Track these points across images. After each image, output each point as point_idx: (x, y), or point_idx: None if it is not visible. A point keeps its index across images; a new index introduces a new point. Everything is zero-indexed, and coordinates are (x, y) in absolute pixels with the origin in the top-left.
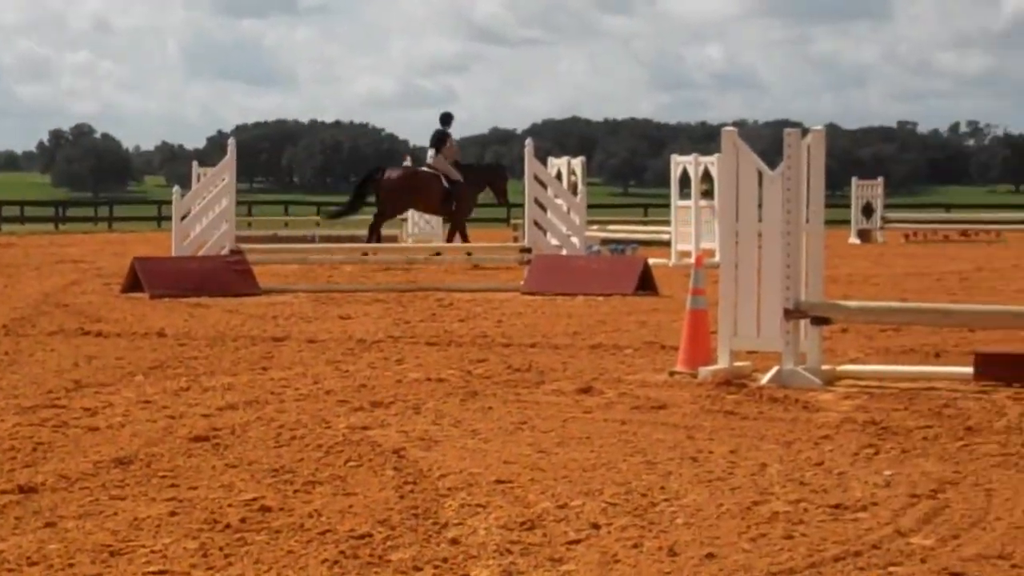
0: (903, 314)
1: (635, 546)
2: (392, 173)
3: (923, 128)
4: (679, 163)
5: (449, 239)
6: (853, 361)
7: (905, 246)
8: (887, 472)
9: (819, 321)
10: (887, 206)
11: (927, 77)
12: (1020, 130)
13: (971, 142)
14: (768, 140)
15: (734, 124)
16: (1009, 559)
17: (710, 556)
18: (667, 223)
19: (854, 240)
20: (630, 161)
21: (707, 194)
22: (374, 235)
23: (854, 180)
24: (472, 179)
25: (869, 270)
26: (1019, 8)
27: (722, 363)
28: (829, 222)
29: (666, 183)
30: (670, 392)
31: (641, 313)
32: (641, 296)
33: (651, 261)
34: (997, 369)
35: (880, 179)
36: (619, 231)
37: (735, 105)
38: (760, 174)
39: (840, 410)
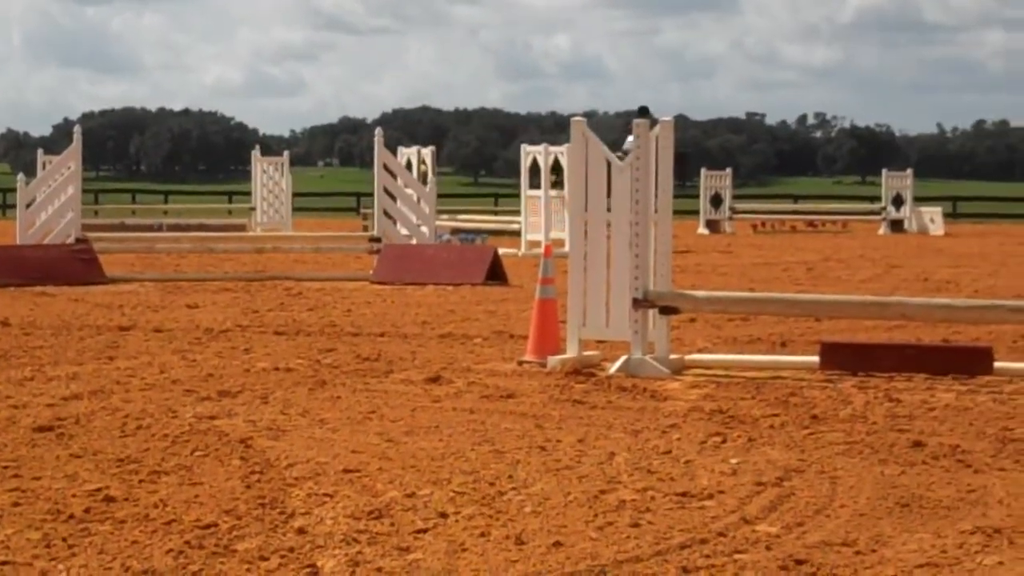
0: (750, 304)
1: (482, 535)
2: None
3: (771, 119)
4: (529, 153)
5: None
6: (701, 350)
7: (753, 236)
8: (733, 460)
9: (667, 311)
10: (735, 197)
11: (774, 69)
12: (866, 122)
13: (818, 134)
14: (619, 130)
15: (584, 114)
16: (853, 546)
17: (557, 544)
18: (517, 213)
19: (703, 230)
20: (481, 151)
21: (557, 184)
22: None
23: (703, 171)
24: None
25: (718, 260)
26: (864, 1)
27: (571, 352)
28: (678, 212)
29: (517, 173)
30: (519, 381)
31: (490, 303)
32: (491, 286)
33: (501, 251)
34: (842, 358)
35: (728, 170)
36: (469, 221)
37: (584, 95)
38: (608, 164)
39: (688, 399)
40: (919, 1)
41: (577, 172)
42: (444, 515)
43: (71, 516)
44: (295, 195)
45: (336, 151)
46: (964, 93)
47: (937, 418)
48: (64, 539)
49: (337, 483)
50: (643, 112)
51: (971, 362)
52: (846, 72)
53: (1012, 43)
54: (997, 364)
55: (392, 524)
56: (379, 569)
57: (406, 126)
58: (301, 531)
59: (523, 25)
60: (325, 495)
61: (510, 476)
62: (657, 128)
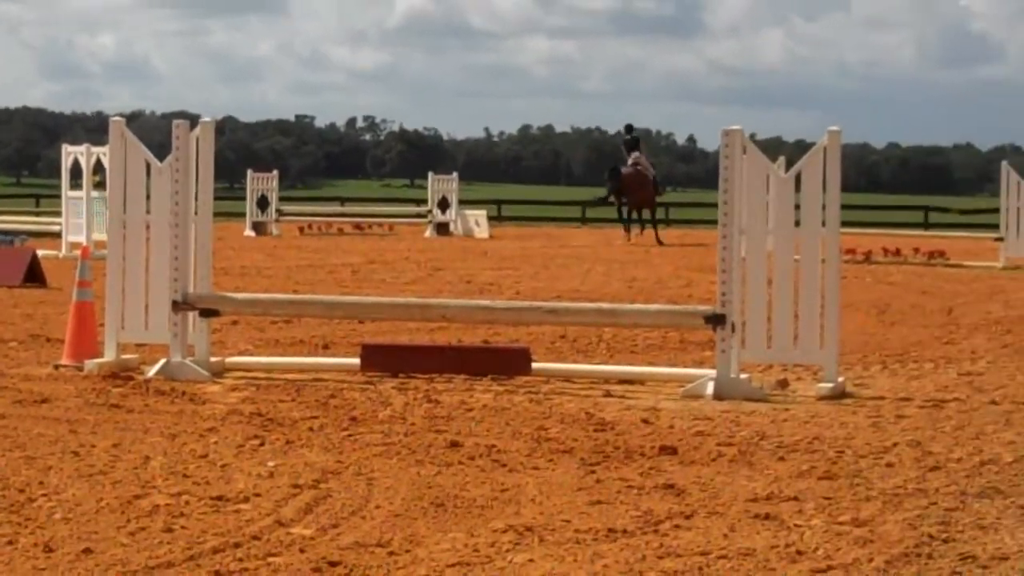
0: (291, 306)
1: (10, 543)
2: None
3: (320, 122)
4: (71, 153)
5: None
6: (242, 353)
7: (300, 239)
8: (271, 463)
9: (207, 313)
10: (283, 199)
11: (323, 71)
12: (414, 126)
13: (368, 136)
14: (166, 131)
15: (132, 114)
16: (387, 546)
17: (87, 551)
18: (59, 214)
19: (249, 233)
20: (23, 151)
21: (100, 185)
22: None
23: (249, 172)
24: None
25: (263, 262)
26: (412, 6)
27: (109, 356)
28: (226, 214)
29: (59, 173)
30: (54, 386)
31: (28, 305)
32: (29, 288)
33: (42, 253)
34: (383, 360)
35: (275, 172)
36: (9, 222)
37: (130, 95)
38: (148, 165)
39: (227, 402)
40: (465, 8)
41: (116, 173)
42: None
43: None
44: None
45: None
46: (510, 99)
47: (475, 418)
48: None
49: None
50: (629, 129)
51: (509, 363)
52: (395, 76)
53: (555, 50)
54: (535, 365)
55: None
56: None
57: None
58: None
59: (66, 24)
60: None
61: (41, 482)
62: (197, 130)
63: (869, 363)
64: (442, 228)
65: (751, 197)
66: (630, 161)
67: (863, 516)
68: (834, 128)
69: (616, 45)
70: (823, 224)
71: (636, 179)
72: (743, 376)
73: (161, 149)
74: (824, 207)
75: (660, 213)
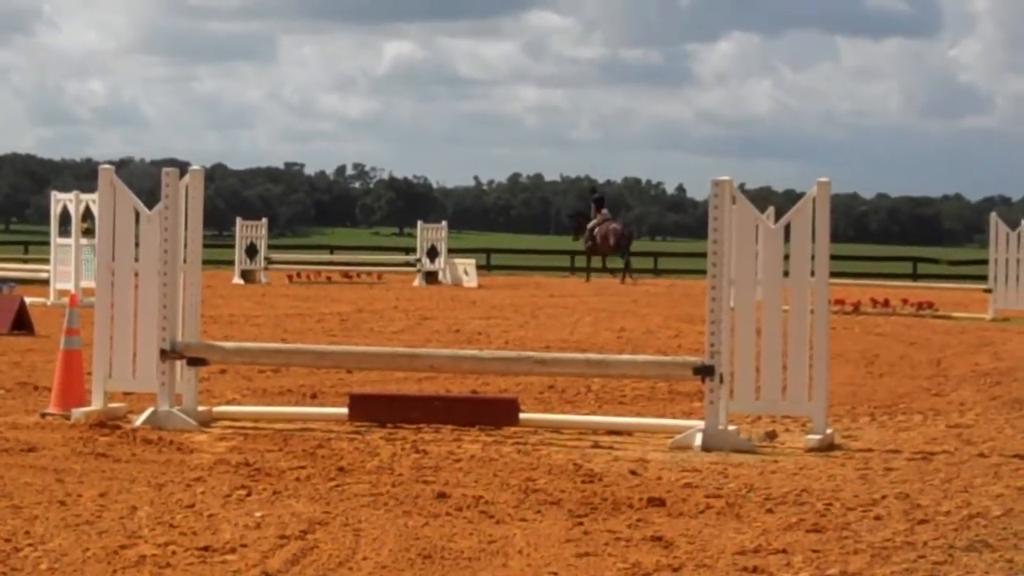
0: (279, 355)
1: None
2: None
3: (310, 169)
4: (59, 200)
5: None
6: (230, 402)
7: (289, 287)
8: (258, 513)
9: (195, 362)
10: (272, 247)
11: (312, 119)
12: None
13: (357, 184)
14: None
15: (122, 161)
16: None
17: None
18: (47, 261)
19: (238, 280)
20: (12, 197)
21: (88, 232)
22: None
23: (238, 220)
24: None
25: (252, 311)
26: (400, 53)
27: (96, 404)
28: (215, 262)
29: (48, 220)
30: (41, 434)
31: (16, 353)
32: (17, 335)
33: (30, 300)
34: (371, 409)
35: (264, 220)
36: None
37: (120, 141)
38: (137, 213)
39: (215, 451)
40: (453, 56)
41: (105, 221)
42: None
43: None
44: None
45: None
46: (499, 147)
47: (462, 469)
48: None
49: None
50: (593, 190)
51: (498, 413)
52: (384, 124)
53: (544, 99)
54: (523, 415)
55: None
56: None
57: None
58: None
59: (55, 70)
60: None
61: (27, 532)
62: (187, 178)
63: (857, 415)
64: (431, 277)
65: (740, 248)
66: (599, 219)
67: (851, 569)
68: (823, 179)
69: (604, 94)
70: (812, 274)
71: (613, 235)
72: (731, 427)
73: (150, 196)
74: (813, 257)
75: (649, 262)
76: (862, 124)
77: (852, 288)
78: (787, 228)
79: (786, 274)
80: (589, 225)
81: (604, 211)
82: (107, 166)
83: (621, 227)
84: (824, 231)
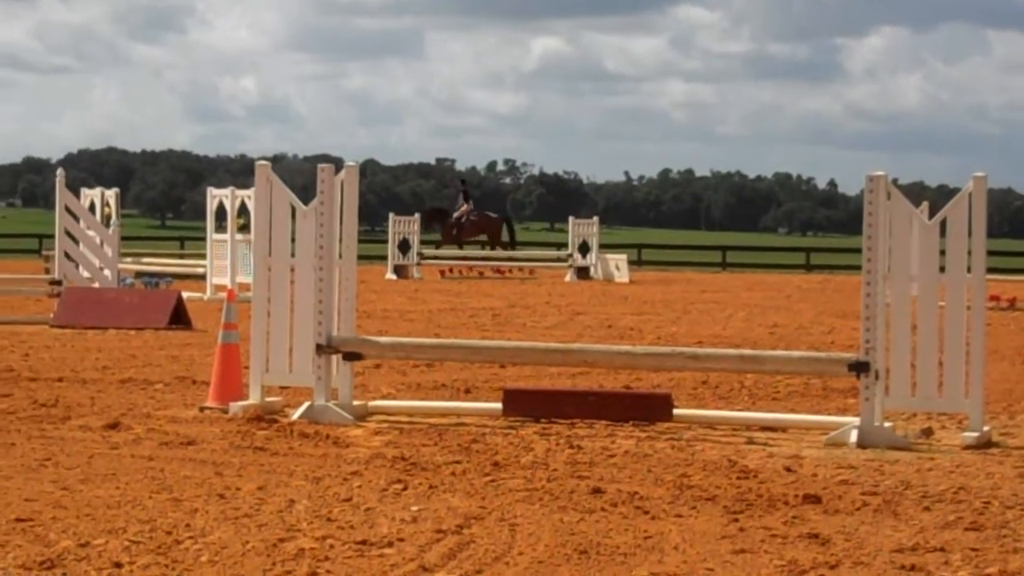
0: (434, 350)
1: None
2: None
3: (460, 165)
4: (215, 196)
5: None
6: (385, 397)
7: (441, 282)
8: (414, 507)
9: (351, 356)
10: (423, 242)
11: (461, 114)
12: (553, 168)
13: (508, 180)
14: (308, 174)
15: (275, 157)
16: None
17: None
18: (203, 256)
19: (391, 276)
20: (168, 193)
21: (244, 228)
22: None
23: (391, 216)
24: None
25: (405, 306)
26: (548, 49)
27: (253, 398)
28: (367, 257)
29: (204, 216)
30: (200, 428)
31: (173, 347)
32: (174, 330)
33: (186, 295)
34: (525, 405)
35: (416, 215)
36: (154, 264)
37: (272, 138)
38: (293, 208)
39: (370, 446)
40: (601, 51)
41: (261, 216)
42: (119, 565)
43: None
44: None
45: (19, 191)
46: (647, 142)
47: (617, 465)
48: None
49: (8, 532)
50: (463, 181)
51: (651, 409)
52: (532, 119)
53: (692, 94)
54: (676, 411)
55: (64, 574)
56: None
57: (92, 167)
58: None
59: (207, 67)
60: None
61: (187, 525)
62: (342, 173)
63: (1015, 412)
64: (582, 272)
65: (895, 243)
66: (465, 208)
67: (1011, 568)
68: (979, 174)
69: (752, 89)
70: (968, 270)
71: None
72: (887, 424)
73: (303, 192)
74: (969, 253)
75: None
76: (1015, 118)
77: (1007, 284)
78: (943, 223)
79: (942, 269)
80: (456, 215)
81: (471, 203)
82: (264, 162)
83: (493, 215)
84: (981, 226)
